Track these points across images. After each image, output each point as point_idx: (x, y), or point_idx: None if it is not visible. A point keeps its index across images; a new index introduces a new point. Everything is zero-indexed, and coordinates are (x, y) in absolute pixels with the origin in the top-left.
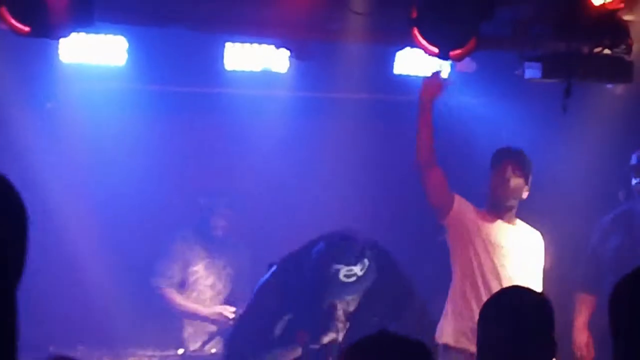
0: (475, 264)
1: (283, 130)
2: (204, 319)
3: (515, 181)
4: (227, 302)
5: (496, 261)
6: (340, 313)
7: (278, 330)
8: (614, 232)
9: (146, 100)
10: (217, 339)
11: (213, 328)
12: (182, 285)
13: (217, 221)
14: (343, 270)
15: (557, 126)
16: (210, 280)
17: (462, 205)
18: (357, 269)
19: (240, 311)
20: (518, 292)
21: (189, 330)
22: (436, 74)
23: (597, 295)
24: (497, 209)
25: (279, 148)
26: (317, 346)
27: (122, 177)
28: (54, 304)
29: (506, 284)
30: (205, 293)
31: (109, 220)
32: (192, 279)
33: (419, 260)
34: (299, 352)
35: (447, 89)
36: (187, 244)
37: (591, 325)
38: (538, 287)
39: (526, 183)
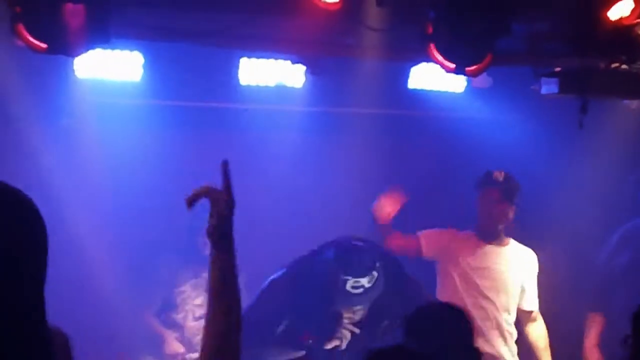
0: (459, 288)
1: (298, 145)
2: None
3: (501, 206)
4: None
5: (479, 282)
6: (346, 321)
7: (281, 328)
8: (624, 248)
9: (162, 116)
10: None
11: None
12: (171, 307)
13: (205, 242)
14: (350, 282)
15: (572, 142)
16: (199, 300)
17: (432, 243)
18: (365, 281)
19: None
20: (437, 307)
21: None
22: (393, 191)
23: (605, 313)
24: (484, 233)
25: (293, 163)
26: (320, 350)
27: (138, 193)
28: (71, 318)
29: (493, 302)
30: (195, 312)
31: (124, 234)
32: (179, 299)
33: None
34: (301, 353)
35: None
36: (172, 268)
37: (601, 344)
38: (534, 304)
39: (512, 205)
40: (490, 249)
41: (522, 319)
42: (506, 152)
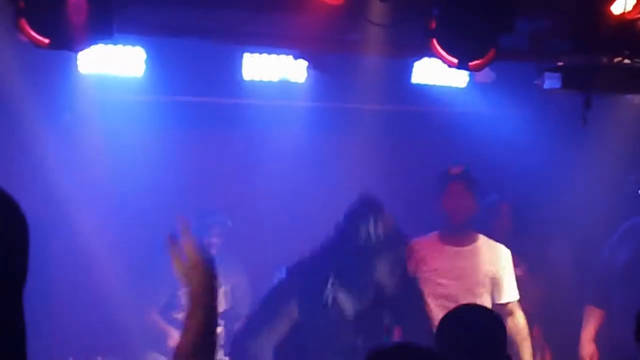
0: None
1: (301, 141)
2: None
3: (467, 198)
4: (226, 320)
5: (442, 283)
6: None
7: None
8: (623, 246)
9: (164, 111)
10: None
11: None
12: (176, 307)
13: (210, 242)
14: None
15: (574, 137)
16: None
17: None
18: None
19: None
20: (474, 311)
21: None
22: None
23: (605, 309)
24: (451, 231)
25: (296, 158)
26: None
27: (141, 189)
28: (74, 315)
29: (457, 303)
30: None
31: (127, 231)
32: (184, 299)
33: None
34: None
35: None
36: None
37: (598, 339)
38: (508, 296)
39: (475, 197)
40: (453, 250)
41: (499, 313)
42: (508, 146)
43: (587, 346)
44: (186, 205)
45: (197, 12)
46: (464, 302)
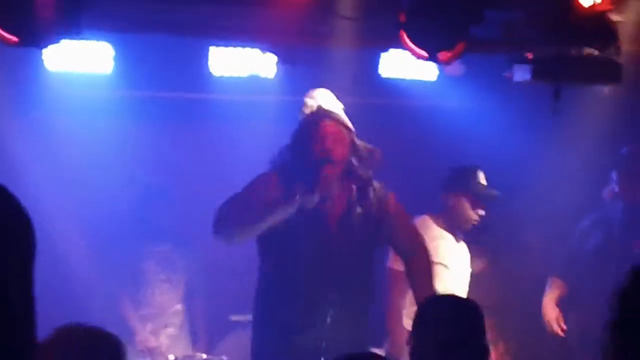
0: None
1: (272, 136)
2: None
3: (479, 212)
4: (188, 292)
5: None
6: None
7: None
8: (592, 234)
9: (133, 107)
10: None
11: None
12: (139, 284)
13: (161, 205)
14: None
15: (545, 129)
16: (164, 275)
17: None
18: None
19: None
20: (450, 300)
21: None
22: None
23: (569, 284)
24: (455, 230)
25: (267, 154)
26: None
27: (110, 185)
28: (48, 311)
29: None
30: (161, 287)
31: (98, 228)
32: (142, 277)
33: None
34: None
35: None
36: (134, 245)
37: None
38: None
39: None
40: (453, 240)
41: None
42: (480, 140)
43: (551, 309)
44: (156, 198)
45: (165, 7)
46: (453, 291)
